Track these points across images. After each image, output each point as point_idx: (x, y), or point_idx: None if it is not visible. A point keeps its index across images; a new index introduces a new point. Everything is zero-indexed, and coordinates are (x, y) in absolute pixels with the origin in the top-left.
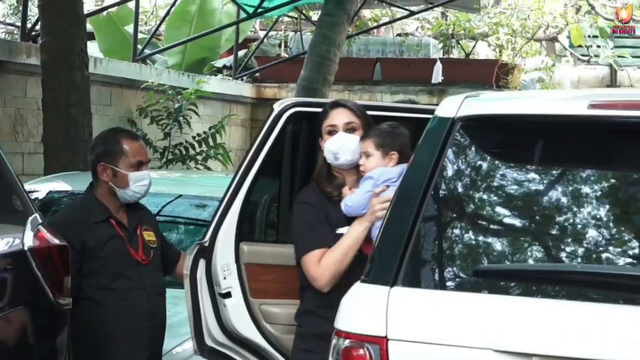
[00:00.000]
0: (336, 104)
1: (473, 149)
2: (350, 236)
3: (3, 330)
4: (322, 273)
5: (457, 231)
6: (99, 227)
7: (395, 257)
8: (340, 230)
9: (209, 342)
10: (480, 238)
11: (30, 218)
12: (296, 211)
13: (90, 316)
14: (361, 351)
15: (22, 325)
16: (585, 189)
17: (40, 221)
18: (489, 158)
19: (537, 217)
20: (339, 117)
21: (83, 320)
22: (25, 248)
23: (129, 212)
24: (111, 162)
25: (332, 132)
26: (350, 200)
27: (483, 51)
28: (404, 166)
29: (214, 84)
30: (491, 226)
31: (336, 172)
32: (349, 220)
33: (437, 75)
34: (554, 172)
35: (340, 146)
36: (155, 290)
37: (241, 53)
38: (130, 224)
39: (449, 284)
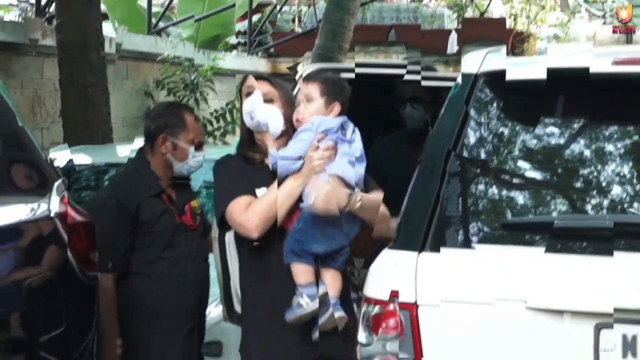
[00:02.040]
0: (256, 77)
1: (496, 104)
2: (285, 188)
3: (30, 293)
4: (250, 217)
5: (482, 190)
6: (152, 202)
7: (423, 223)
8: (259, 191)
9: (238, 308)
10: (504, 193)
11: (56, 184)
12: (214, 175)
13: (137, 289)
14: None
15: (49, 289)
16: (609, 144)
17: (64, 187)
18: (514, 114)
19: (562, 171)
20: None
21: (130, 294)
22: (52, 215)
23: (177, 187)
24: (172, 135)
25: (249, 94)
26: (286, 150)
27: (497, 10)
28: (344, 118)
29: (230, 60)
30: (515, 181)
31: (259, 140)
32: (270, 183)
33: (453, 46)
34: (576, 126)
35: (255, 104)
36: (201, 255)
37: (255, 18)
38: (179, 199)
39: (477, 245)
